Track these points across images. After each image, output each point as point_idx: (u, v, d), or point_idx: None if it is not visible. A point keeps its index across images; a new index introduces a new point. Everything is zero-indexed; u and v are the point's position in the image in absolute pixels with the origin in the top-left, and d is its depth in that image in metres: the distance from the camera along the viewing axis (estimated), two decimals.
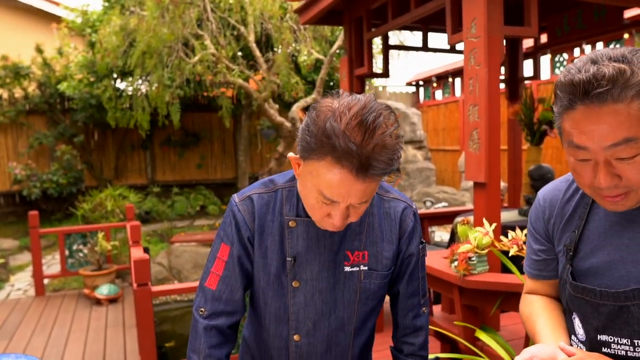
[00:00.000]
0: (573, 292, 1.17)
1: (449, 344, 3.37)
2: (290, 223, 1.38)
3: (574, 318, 1.19)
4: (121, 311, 6.03)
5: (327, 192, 1.19)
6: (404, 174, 11.19)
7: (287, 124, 8.77)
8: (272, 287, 1.40)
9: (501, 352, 2.64)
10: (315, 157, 1.18)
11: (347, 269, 1.40)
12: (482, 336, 2.76)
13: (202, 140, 12.63)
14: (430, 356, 1.64)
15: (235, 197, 1.41)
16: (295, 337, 1.42)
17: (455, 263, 3.02)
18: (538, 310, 1.31)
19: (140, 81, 9.35)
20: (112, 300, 6.31)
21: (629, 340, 1.06)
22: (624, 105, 0.97)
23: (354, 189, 1.18)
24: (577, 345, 1.19)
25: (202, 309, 1.40)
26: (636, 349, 1.06)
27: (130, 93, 9.80)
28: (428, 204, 9.30)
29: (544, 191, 1.32)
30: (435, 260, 3.34)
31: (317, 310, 1.40)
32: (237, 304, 1.42)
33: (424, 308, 1.55)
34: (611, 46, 10.46)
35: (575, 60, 1.04)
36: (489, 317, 3.30)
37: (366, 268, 1.41)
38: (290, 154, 1.31)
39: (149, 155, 12.39)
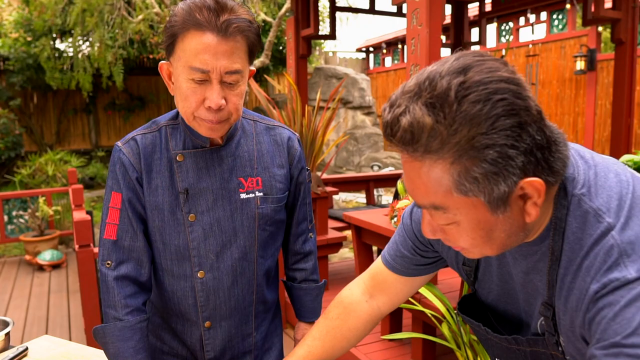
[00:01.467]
0: (464, 321, 1.13)
1: None
2: (177, 157, 1.38)
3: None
4: (65, 277, 5.91)
5: (196, 61, 1.21)
6: (352, 140, 11.28)
7: None
8: (168, 224, 1.39)
9: (438, 303, 2.76)
10: (179, 41, 1.23)
11: (243, 195, 1.42)
12: (421, 289, 2.87)
13: (148, 104, 12.33)
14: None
15: (119, 143, 1.40)
16: (200, 274, 1.41)
17: (395, 219, 3.10)
18: (339, 312, 1.28)
19: (81, 41, 8.98)
20: (55, 266, 6.18)
21: None
22: (427, 165, 0.80)
23: (220, 50, 1.22)
24: None
25: (109, 262, 1.37)
26: None
27: (71, 54, 9.41)
28: (375, 168, 9.44)
29: None
30: (376, 217, 3.43)
31: (218, 242, 1.41)
32: (141, 250, 1.40)
33: (310, 233, 1.62)
34: (543, 17, 10.74)
35: (414, 76, 0.83)
36: None
37: (261, 194, 1.43)
38: (161, 63, 1.33)
39: (92, 119, 12.00)
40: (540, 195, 0.80)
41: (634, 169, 2.26)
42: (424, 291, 2.86)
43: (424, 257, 1.18)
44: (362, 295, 1.28)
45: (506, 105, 0.74)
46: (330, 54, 15.41)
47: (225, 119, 1.30)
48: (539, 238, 0.90)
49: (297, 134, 1.57)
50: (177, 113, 1.44)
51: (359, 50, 16.04)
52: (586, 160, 0.90)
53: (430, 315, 2.87)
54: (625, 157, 2.56)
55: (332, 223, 4.98)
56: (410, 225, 1.17)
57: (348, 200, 8.36)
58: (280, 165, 1.48)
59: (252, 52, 1.32)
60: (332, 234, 4.48)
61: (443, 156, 0.77)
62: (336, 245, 4.49)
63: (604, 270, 0.80)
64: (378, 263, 1.27)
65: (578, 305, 0.84)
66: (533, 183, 0.79)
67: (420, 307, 2.93)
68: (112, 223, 1.38)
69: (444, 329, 2.69)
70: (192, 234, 1.39)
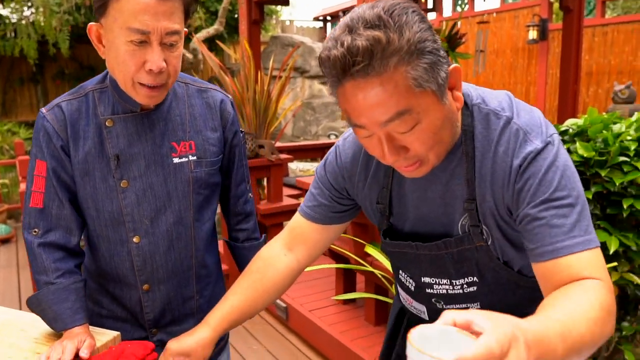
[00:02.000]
0: (392, 248, 1.24)
1: (341, 260, 3.55)
2: (107, 122, 1.35)
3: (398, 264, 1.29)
4: (14, 252, 5.76)
5: (135, 22, 1.18)
6: (309, 109, 11.23)
7: (189, 55, 8.47)
8: (100, 191, 1.37)
9: (388, 265, 2.80)
10: (114, 1, 1.19)
11: (176, 160, 1.40)
12: (371, 251, 2.91)
13: (99, 73, 11.92)
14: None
15: (43, 109, 1.35)
16: (135, 239, 1.40)
17: None
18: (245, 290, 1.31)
19: (25, 7, 8.57)
20: (4, 241, 6.01)
21: (448, 280, 1.18)
22: (388, 75, 0.91)
23: (160, 11, 1.19)
24: (406, 279, 1.28)
25: (36, 229, 1.34)
26: (454, 287, 1.18)
27: (14, 20, 8.98)
28: (332, 137, 9.45)
29: (345, 146, 1.26)
30: None
31: (152, 207, 1.39)
32: (69, 219, 1.37)
33: (249, 194, 1.63)
34: None
35: (336, 27, 0.95)
36: (377, 234, 3.49)
37: (195, 158, 1.42)
38: (89, 25, 1.28)
39: (40, 89, 11.54)
40: (460, 81, 1.02)
41: (577, 132, 2.32)
42: (374, 253, 2.91)
43: (340, 204, 1.30)
44: (280, 249, 1.34)
45: (418, 14, 0.94)
46: (287, 23, 15.19)
47: (164, 82, 1.27)
48: (454, 147, 1.09)
49: (231, 97, 1.54)
50: (105, 76, 1.39)
51: (316, 19, 15.86)
52: (470, 84, 1.14)
53: (380, 276, 2.92)
54: (570, 121, 2.62)
55: (287, 191, 4.98)
56: (325, 176, 1.29)
57: (305, 169, 8.37)
58: (213, 128, 1.46)
59: (188, 13, 1.29)
60: (288, 201, 4.49)
61: (400, 60, 0.91)
62: (291, 212, 4.50)
63: (518, 147, 1.03)
64: (296, 218, 1.34)
65: (504, 182, 1.04)
66: (456, 68, 1.00)
67: (370, 269, 2.98)
68: (38, 191, 1.34)
69: (394, 288, 2.74)
70: (125, 200, 1.37)
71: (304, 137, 11.23)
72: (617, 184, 2.00)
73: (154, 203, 1.39)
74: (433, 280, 1.20)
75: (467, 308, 1.21)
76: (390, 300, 2.84)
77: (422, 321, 1.33)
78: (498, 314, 0.71)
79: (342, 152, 1.26)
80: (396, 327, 1.47)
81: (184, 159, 1.40)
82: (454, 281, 1.17)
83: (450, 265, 1.15)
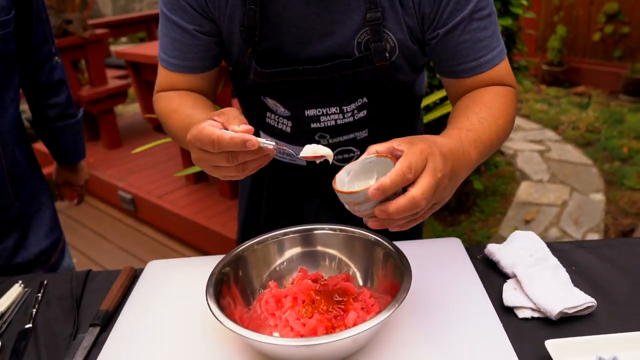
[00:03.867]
0: (268, 78, 0.99)
1: None
2: None
3: (265, 98, 1.05)
4: None
5: None
6: None
7: None
8: None
9: None
10: None
11: None
12: None
13: None
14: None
15: None
16: None
17: None
18: (194, 100, 1.03)
19: None
20: None
21: (337, 109, 1.02)
22: None
23: None
24: (278, 121, 1.08)
25: None
26: (345, 115, 1.03)
27: None
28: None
29: None
30: (155, 48, 3.00)
31: None
32: None
33: (56, 57, 1.36)
34: None
35: None
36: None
37: None
38: None
39: None
40: None
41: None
42: None
43: (203, 33, 0.99)
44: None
45: None
46: None
47: None
48: None
49: None
50: None
51: None
52: None
53: None
54: None
55: (112, 72, 4.39)
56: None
57: None
58: None
59: None
60: (114, 83, 3.95)
61: None
62: (120, 95, 3.99)
63: None
64: (162, 76, 1.06)
65: None
66: None
67: None
68: None
69: None
70: None
71: None
72: None
73: None
74: (320, 112, 1.03)
75: (354, 138, 1.08)
76: None
77: (289, 172, 1.16)
78: (415, 136, 0.73)
79: None
80: (256, 190, 1.28)
81: None
82: (344, 108, 1.02)
83: (342, 90, 1.00)
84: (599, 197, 3.36)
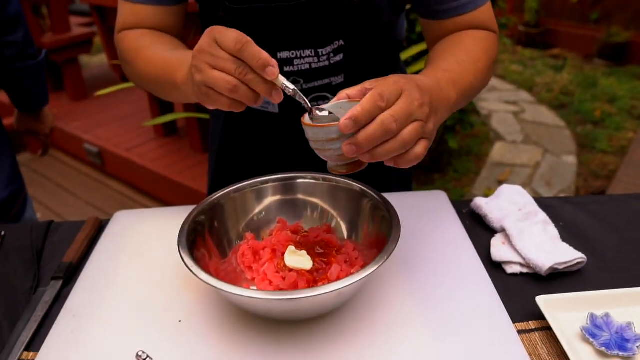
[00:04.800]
0: (239, 16, 0.90)
1: None
2: None
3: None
4: None
5: None
6: None
7: None
8: None
9: None
10: None
11: None
12: None
13: None
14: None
15: None
16: None
17: None
18: (171, 40, 0.94)
19: None
20: None
21: (312, 51, 0.93)
22: None
23: None
24: None
25: None
26: (320, 58, 0.94)
27: None
28: None
29: None
30: None
31: None
32: None
33: None
34: None
35: None
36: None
37: None
38: None
39: None
40: None
41: None
42: None
43: None
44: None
45: None
46: None
47: None
48: None
49: None
50: None
51: None
52: None
53: None
54: None
55: (77, 20, 4.18)
56: None
57: None
58: None
59: None
60: (78, 31, 3.76)
61: None
62: (84, 44, 3.80)
63: None
64: (125, 10, 0.94)
65: None
66: None
67: None
68: None
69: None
70: None
71: None
72: None
73: None
74: (293, 54, 0.94)
75: (330, 84, 1.00)
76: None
77: (260, 120, 1.08)
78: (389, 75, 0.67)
79: None
80: (226, 140, 1.20)
81: None
82: (320, 51, 0.94)
83: (317, 31, 0.92)
84: (571, 159, 3.38)
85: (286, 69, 0.96)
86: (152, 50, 0.87)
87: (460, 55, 0.81)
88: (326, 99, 1.02)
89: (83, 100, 3.96)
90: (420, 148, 0.64)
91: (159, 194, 3.02)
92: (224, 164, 1.23)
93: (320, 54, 0.94)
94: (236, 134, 1.16)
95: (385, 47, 1.05)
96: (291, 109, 0.97)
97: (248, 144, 1.15)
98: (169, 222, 0.87)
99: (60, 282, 0.86)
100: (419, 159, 0.65)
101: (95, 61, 5.35)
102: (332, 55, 0.95)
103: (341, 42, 0.94)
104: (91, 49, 4.03)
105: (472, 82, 0.80)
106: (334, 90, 1.01)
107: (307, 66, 0.96)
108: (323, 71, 0.97)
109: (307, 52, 0.94)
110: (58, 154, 3.71)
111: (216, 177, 1.26)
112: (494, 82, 4.56)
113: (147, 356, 0.49)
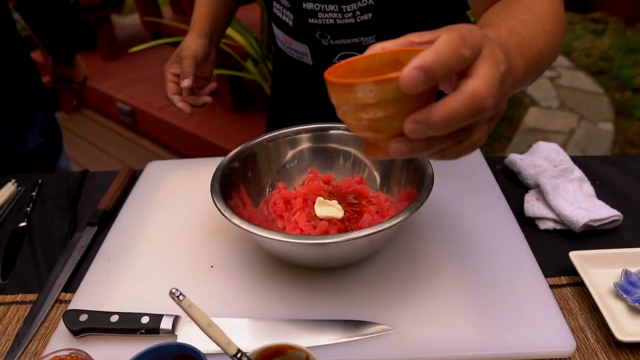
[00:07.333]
0: None
1: None
2: None
3: None
4: None
5: None
6: None
7: None
8: None
9: (240, 39, 2.44)
10: None
11: None
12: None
13: None
14: None
15: None
16: None
17: None
18: None
19: None
20: None
21: (336, 7, 0.89)
22: None
23: None
24: (283, 12, 0.99)
25: None
26: (345, 15, 0.90)
27: None
28: None
29: None
30: None
31: None
32: None
33: None
34: None
35: None
36: None
37: None
38: None
39: None
40: None
41: None
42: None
43: None
44: None
45: None
46: None
47: None
48: None
49: None
50: None
51: None
52: None
53: (231, 52, 2.55)
54: None
55: None
56: None
57: None
58: None
59: None
60: None
61: None
62: (116, 2, 3.81)
63: None
64: None
65: None
66: None
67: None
68: None
69: (249, 65, 2.42)
70: None
71: None
72: None
73: None
74: (317, 7, 0.91)
75: (360, 43, 0.95)
76: (246, 75, 2.51)
77: (302, 71, 1.07)
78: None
79: None
80: (275, 91, 1.24)
81: None
82: (343, 7, 0.89)
83: None
84: (608, 126, 3.28)
85: (311, 20, 0.94)
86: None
87: (523, 16, 0.62)
88: None
89: (116, 60, 3.98)
90: (481, 133, 0.44)
91: (190, 152, 3.05)
92: (276, 115, 1.26)
93: (345, 10, 0.90)
94: (283, 86, 1.19)
95: (430, 8, 0.94)
96: (325, 64, 0.96)
97: (294, 92, 1.16)
98: (201, 171, 0.88)
99: (95, 228, 0.88)
100: (475, 149, 0.45)
101: (126, 22, 5.36)
102: (358, 13, 0.90)
103: (370, 1, 0.88)
104: (123, 9, 4.03)
105: (541, 49, 0.60)
106: (365, 51, 0.93)
107: (332, 21, 0.93)
108: (349, 29, 0.93)
109: (331, 7, 0.90)
110: (91, 113, 3.76)
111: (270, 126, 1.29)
112: None
113: (180, 293, 0.50)
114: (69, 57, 1.46)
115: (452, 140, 0.42)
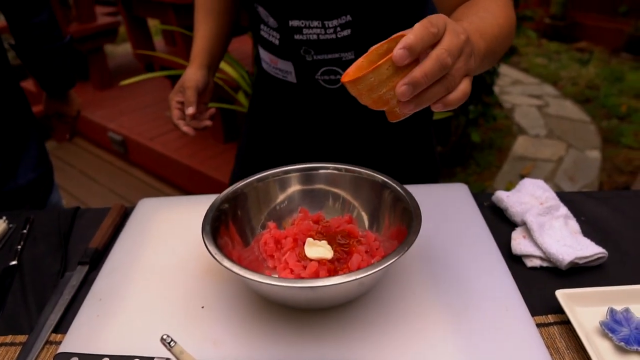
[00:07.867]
0: None
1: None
2: None
3: (257, 7, 1.05)
4: None
5: None
6: None
7: None
8: None
9: (231, 71, 2.47)
10: None
11: None
12: None
13: None
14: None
15: None
16: None
17: None
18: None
19: None
20: None
21: (319, 23, 0.98)
22: None
23: None
24: (269, 34, 1.08)
25: None
26: (327, 30, 0.98)
27: None
28: None
29: None
30: None
31: None
32: None
33: None
34: None
35: None
36: None
37: None
38: None
39: None
40: None
41: None
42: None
43: None
44: None
45: None
46: None
47: None
48: None
49: None
50: None
51: None
52: None
53: (226, 87, 2.58)
54: None
55: (102, 9, 4.22)
56: None
57: None
58: None
59: None
60: (104, 20, 3.80)
61: None
62: (110, 33, 3.85)
63: None
64: None
65: None
66: None
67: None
68: None
69: (240, 97, 2.44)
70: None
71: None
72: None
73: None
74: (303, 23, 1.00)
75: (340, 59, 1.03)
76: (238, 108, 2.53)
77: (285, 89, 1.14)
78: None
79: None
80: (254, 110, 1.30)
81: None
82: (326, 23, 0.98)
83: (323, 2, 0.96)
84: (595, 154, 3.33)
85: (297, 36, 1.02)
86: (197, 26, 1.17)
87: (479, 14, 0.76)
88: (337, 74, 1.04)
89: (108, 90, 4.01)
90: (466, 84, 0.60)
91: (180, 182, 3.06)
92: (253, 140, 1.30)
93: (327, 26, 0.98)
94: (263, 104, 1.24)
95: (401, 26, 1.03)
96: (308, 80, 1.06)
97: (274, 112, 1.21)
98: (192, 210, 0.89)
99: (86, 267, 0.88)
100: (467, 96, 0.60)
101: (119, 50, 5.41)
102: (339, 29, 0.98)
103: (349, 17, 0.96)
104: (116, 38, 4.07)
105: (497, 36, 0.74)
106: (344, 66, 1.03)
107: (315, 37, 1.00)
108: (331, 44, 1.01)
109: (315, 23, 0.98)
110: (83, 142, 3.77)
111: (247, 153, 1.33)
112: (518, 75, 4.51)
113: (172, 339, 0.51)
114: (63, 93, 1.47)
115: (441, 89, 0.57)
